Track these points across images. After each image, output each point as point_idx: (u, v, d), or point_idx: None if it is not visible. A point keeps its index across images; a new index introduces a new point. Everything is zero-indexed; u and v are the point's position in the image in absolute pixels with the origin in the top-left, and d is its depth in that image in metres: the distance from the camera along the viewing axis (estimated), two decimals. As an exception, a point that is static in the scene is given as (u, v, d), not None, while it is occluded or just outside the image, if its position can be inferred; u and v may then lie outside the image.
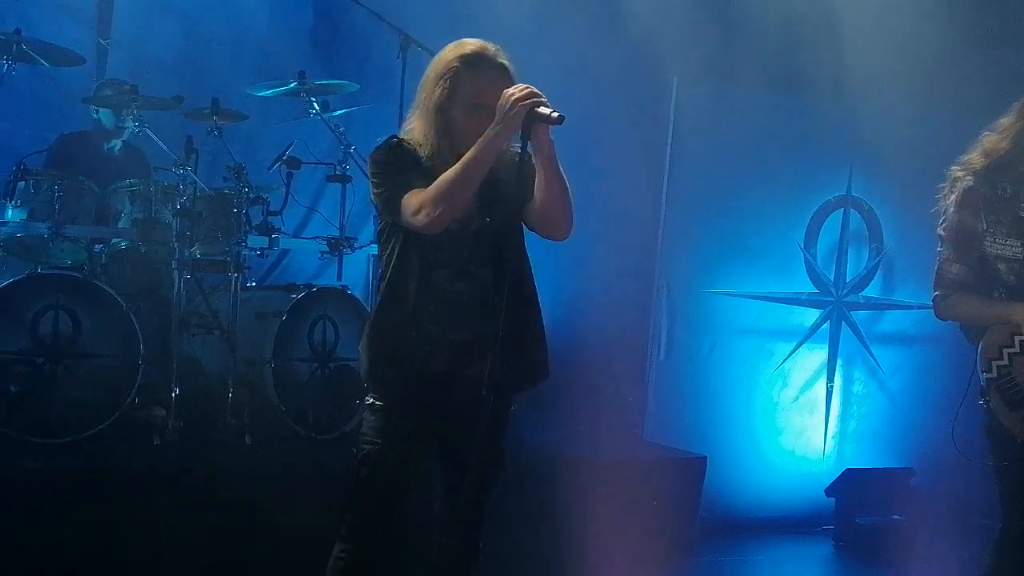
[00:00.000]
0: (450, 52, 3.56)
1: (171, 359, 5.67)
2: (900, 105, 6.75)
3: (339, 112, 6.63)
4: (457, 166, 3.40)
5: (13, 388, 5.26)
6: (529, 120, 3.37)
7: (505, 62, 3.54)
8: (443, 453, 3.65)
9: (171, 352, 5.70)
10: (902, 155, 6.68)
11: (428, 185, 3.43)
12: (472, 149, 3.40)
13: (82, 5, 7.57)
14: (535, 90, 3.37)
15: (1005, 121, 4.13)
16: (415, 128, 3.58)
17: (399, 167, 3.51)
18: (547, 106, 3.37)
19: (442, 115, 3.53)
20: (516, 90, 3.37)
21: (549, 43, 6.84)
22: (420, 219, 3.41)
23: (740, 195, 6.84)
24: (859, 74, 6.55)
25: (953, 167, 4.17)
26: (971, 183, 4.08)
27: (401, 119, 6.05)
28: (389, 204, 3.50)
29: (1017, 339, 3.97)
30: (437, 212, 3.39)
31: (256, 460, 5.47)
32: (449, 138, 3.54)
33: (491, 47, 3.55)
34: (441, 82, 3.52)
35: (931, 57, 6.37)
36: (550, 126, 3.39)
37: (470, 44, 3.55)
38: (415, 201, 3.42)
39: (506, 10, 6.37)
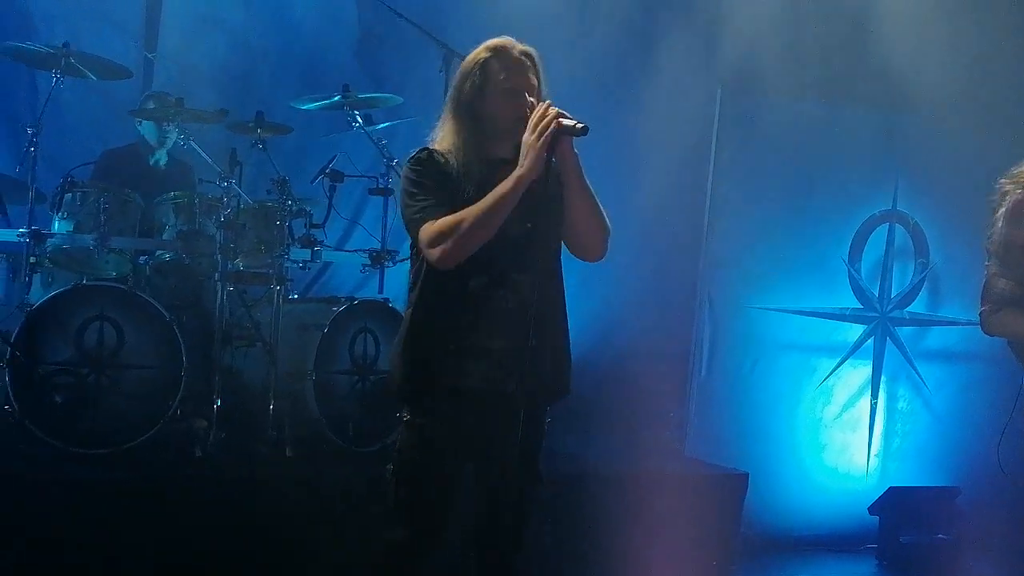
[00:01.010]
0: (476, 50, 3.62)
1: (213, 371, 5.71)
2: (948, 119, 6.68)
3: (382, 125, 6.63)
4: (481, 204, 3.40)
5: (58, 399, 5.29)
6: (552, 133, 3.37)
7: (530, 50, 3.60)
8: (480, 470, 3.63)
9: (213, 364, 5.73)
10: (949, 170, 6.63)
11: (452, 204, 3.43)
12: (498, 188, 3.39)
13: (129, 18, 7.65)
14: (549, 106, 3.41)
15: None
16: (445, 133, 3.60)
17: (425, 186, 3.50)
18: (569, 118, 3.38)
19: (472, 113, 3.55)
20: (537, 116, 3.40)
21: (591, 55, 6.85)
22: (435, 254, 3.43)
23: (784, 208, 6.82)
24: (906, 87, 6.50)
25: (1003, 179, 4.13)
26: (1021, 196, 4.03)
27: (445, 133, 6.16)
28: (410, 227, 3.53)
29: (1065, 358, 3.92)
30: (452, 251, 3.42)
31: (297, 472, 5.48)
32: (477, 138, 3.55)
33: (514, 39, 3.61)
34: (471, 76, 3.56)
35: (980, 70, 6.33)
36: (574, 137, 3.40)
37: (494, 39, 3.62)
38: (431, 233, 3.43)
39: (548, 22, 6.40)
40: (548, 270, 3.57)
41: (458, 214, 3.41)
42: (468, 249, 3.43)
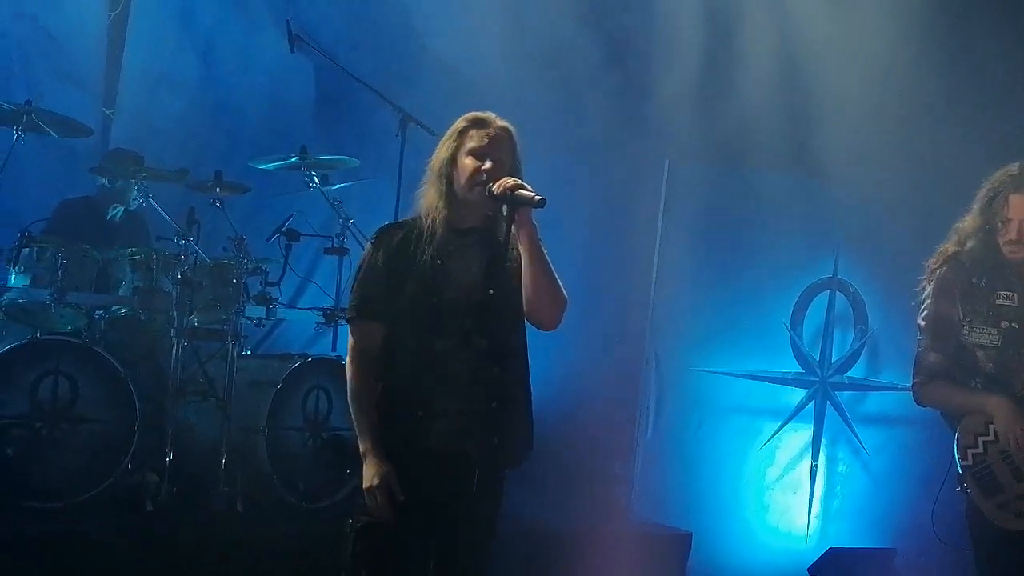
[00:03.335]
0: (458, 119, 3.76)
1: (166, 425, 5.73)
2: (886, 189, 6.86)
3: (338, 186, 6.75)
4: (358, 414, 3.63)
5: (10, 452, 5.30)
6: (512, 203, 3.51)
7: (508, 125, 3.73)
8: (438, 529, 3.69)
9: (166, 418, 5.75)
10: (888, 239, 6.80)
11: (402, 278, 3.62)
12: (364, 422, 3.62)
13: (89, 76, 7.70)
14: (512, 180, 3.55)
15: (969, 218, 4.28)
16: (422, 195, 3.74)
17: (365, 274, 3.72)
18: (527, 189, 3.52)
19: (446, 178, 3.68)
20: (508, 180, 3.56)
21: (544, 123, 6.97)
22: (348, 356, 3.72)
23: (729, 275, 6.98)
24: (847, 157, 6.68)
25: (930, 259, 4.31)
26: (946, 273, 4.22)
27: (399, 194, 6.27)
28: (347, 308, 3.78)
29: (991, 428, 4.08)
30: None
31: (247, 528, 5.51)
32: (447, 204, 3.67)
33: (495, 115, 3.75)
34: (449, 141, 3.71)
35: (920, 141, 6.49)
36: (532, 208, 3.54)
37: (476, 111, 3.76)
38: (349, 343, 3.72)
39: (503, 90, 6.52)
40: (510, 335, 3.68)
41: (357, 384, 3.67)
42: None
